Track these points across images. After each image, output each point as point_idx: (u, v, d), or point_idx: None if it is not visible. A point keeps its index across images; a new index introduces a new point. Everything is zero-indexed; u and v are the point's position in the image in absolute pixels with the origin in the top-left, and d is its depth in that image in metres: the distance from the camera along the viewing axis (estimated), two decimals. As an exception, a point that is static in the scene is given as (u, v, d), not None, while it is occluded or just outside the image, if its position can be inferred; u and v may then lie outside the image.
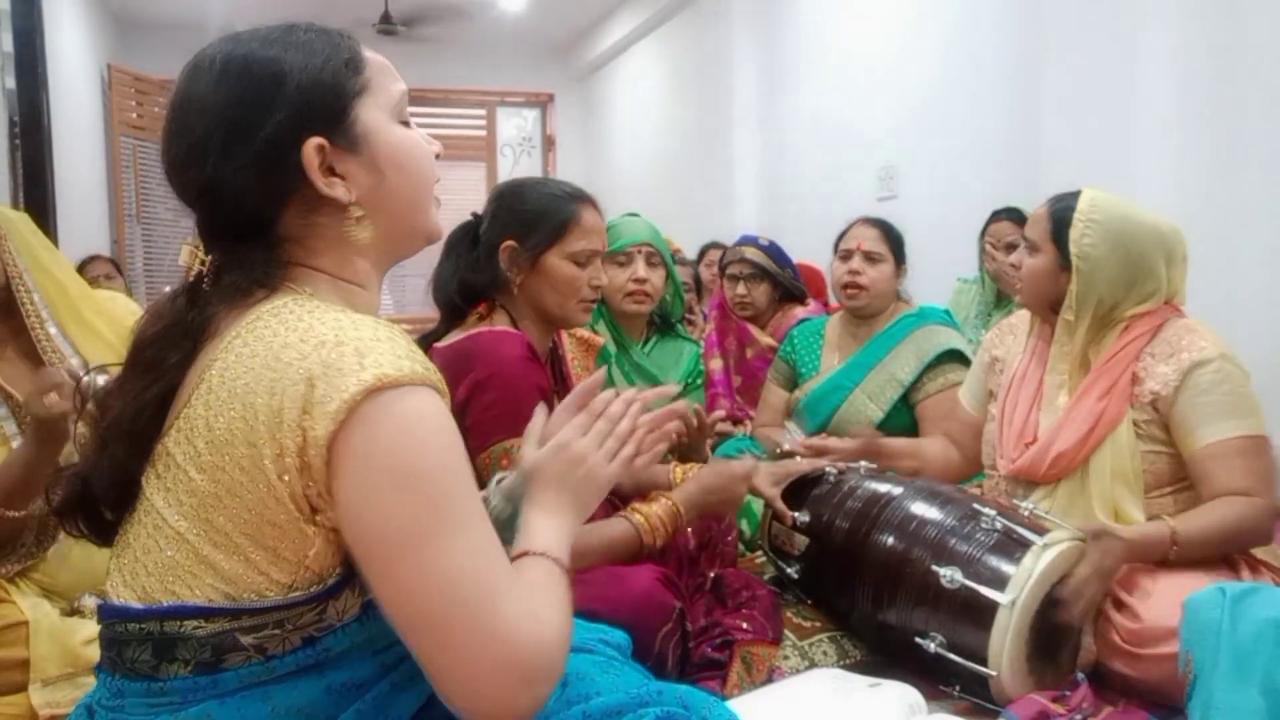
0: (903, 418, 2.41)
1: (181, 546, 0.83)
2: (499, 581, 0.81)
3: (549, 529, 0.95)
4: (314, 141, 0.86)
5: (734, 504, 1.73)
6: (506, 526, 1.07)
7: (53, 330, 1.66)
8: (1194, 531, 1.61)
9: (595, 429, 1.01)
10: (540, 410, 1.10)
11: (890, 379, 2.41)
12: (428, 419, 0.80)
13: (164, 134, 0.90)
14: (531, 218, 1.69)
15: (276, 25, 0.91)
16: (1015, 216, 3.04)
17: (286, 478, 0.79)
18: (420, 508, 0.78)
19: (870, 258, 2.46)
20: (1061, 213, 1.80)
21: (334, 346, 0.79)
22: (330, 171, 0.88)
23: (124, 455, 0.88)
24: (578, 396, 1.07)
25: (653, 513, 1.58)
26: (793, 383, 2.63)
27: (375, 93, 0.91)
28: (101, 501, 0.90)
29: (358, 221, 0.89)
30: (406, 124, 0.94)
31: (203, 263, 0.90)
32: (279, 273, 0.89)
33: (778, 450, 2.21)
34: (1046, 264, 1.82)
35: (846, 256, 2.49)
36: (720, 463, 1.81)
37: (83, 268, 4.29)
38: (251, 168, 0.85)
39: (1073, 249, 1.75)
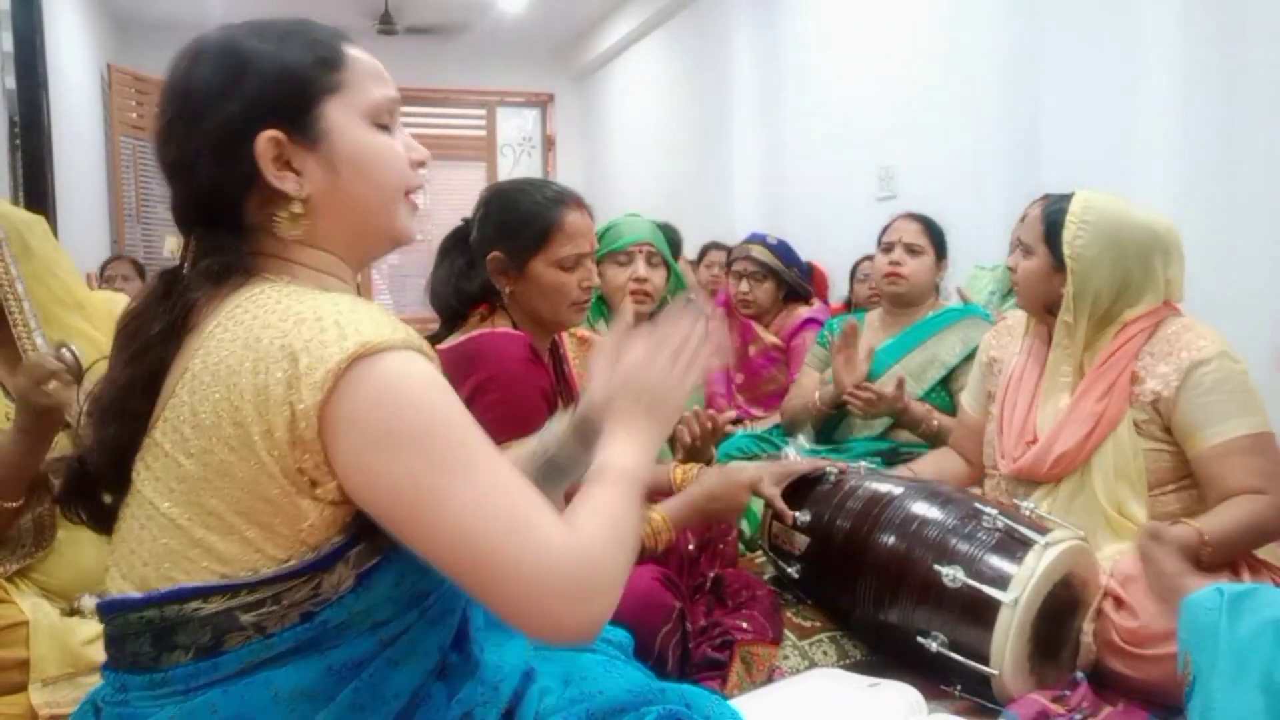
0: (942, 401, 2.48)
1: (175, 532, 0.83)
2: (521, 512, 0.82)
3: (623, 445, 0.96)
4: (269, 133, 0.86)
5: (736, 512, 1.73)
6: (553, 471, 1.12)
7: (39, 341, 1.65)
8: (1220, 531, 1.59)
9: (659, 348, 1.01)
10: (617, 328, 1.09)
11: (933, 359, 2.50)
12: (414, 377, 0.81)
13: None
14: (514, 227, 1.67)
15: (270, 18, 0.92)
16: None
17: (276, 453, 0.80)
18: (422, 462, 0.79)
19: (911, 250, 2.57)
20: (1054, 215, 1.80)
21: (314, 322, 0.81)
22: (287, 165, 0.88)
23: (118, 434, 0.89)
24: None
25: (654, 516, 1.58)
26: (828, 366, 2.65)
27: (350, 93, 0.91)
28: (98, 483, 0.91)
29: (291, 217, 0.89)
30: (387, 128, 0.94)
31: (186, 249, 0.91)
32: (252, 261, 0.90)
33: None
34: (1040, 266, 1.82)
35: (889, 249, 2.60)
36: (727, 469, 1.78)
37: (103, 269, 4.33)
38: (208, 152, 0.87)
39: (1066, 250, 1.75)
